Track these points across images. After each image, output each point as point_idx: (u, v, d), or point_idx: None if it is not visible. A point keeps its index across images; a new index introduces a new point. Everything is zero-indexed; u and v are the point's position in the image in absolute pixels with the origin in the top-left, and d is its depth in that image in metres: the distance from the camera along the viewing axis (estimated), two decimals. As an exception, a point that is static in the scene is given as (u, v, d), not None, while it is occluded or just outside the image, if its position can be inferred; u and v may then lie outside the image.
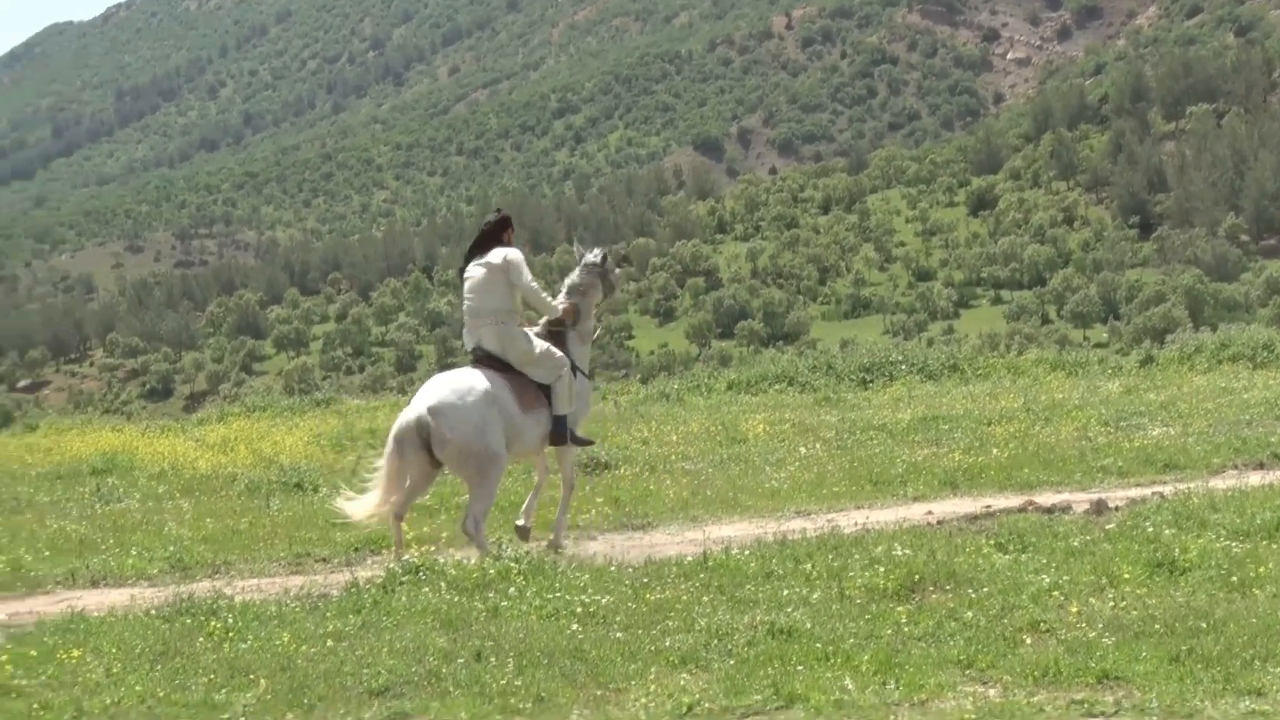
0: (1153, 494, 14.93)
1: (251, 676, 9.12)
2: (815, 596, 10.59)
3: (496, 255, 13.56)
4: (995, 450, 19.19)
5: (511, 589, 11.14)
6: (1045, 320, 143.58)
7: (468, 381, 13.08)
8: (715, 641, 9.48)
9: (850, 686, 8.42)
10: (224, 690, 8.90)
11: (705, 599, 10.68)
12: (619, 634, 9.78)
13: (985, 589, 10.50)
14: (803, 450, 20.53)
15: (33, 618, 11.80)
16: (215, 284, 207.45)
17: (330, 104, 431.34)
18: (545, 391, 13.54)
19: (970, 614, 9.83)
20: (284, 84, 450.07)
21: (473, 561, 12.08)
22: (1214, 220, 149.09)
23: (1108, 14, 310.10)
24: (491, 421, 12.92)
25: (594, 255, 14.34)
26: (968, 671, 8.75)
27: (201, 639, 10.18)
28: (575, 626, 9.99)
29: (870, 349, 36.31)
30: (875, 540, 12.42)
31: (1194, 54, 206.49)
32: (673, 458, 20.42)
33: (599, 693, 8.64)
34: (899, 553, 11.60)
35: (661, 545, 14.13)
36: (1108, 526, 12.65)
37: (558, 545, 13.68)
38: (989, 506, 15.15)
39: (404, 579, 11.65)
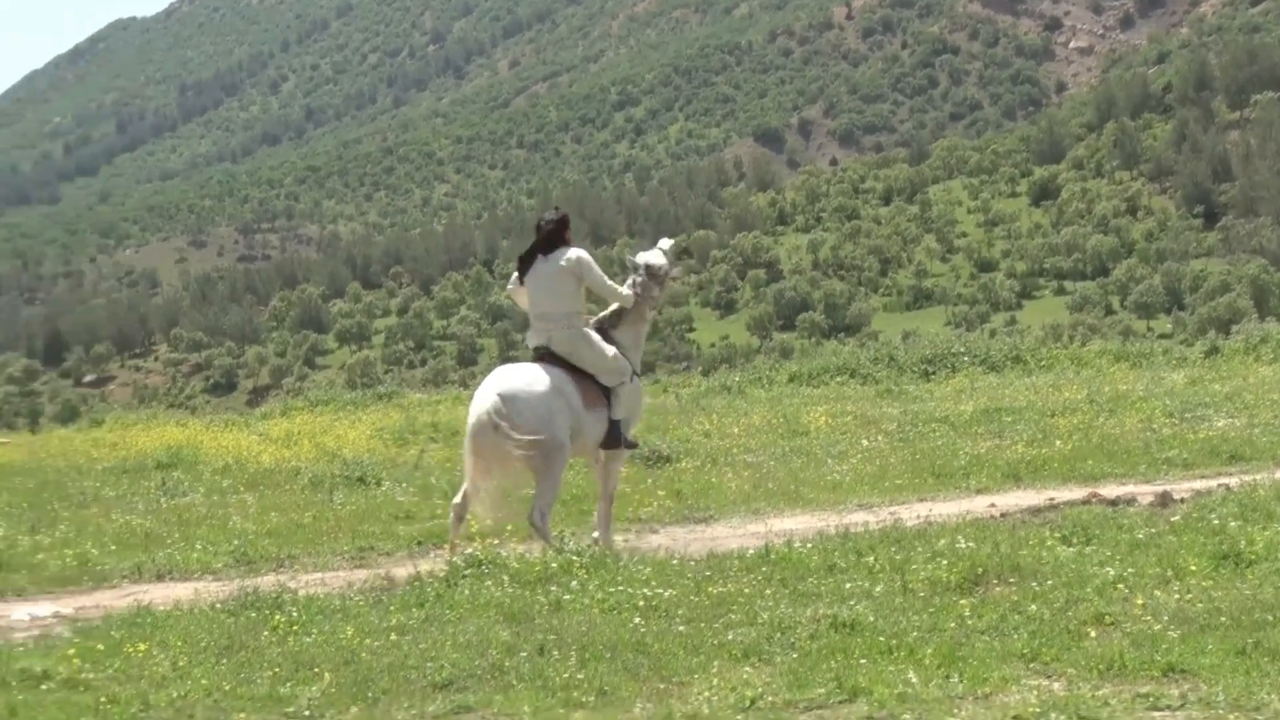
0: (1218, 486, 14.84)
1: (316, 670, 9.15)
2: (878, 590, 10.56)
3: (565, 255, 13.42)
4: (1059, 442, 19.11)
5: (574, 582, 11.14)
6: (1109, 311, 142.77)
7: (535, 372, 13.08)
8: (778, 635, 9.46)
9: (913, 680, 8.38)
10: (288, 684, 8.93)
11: (768, 592, 10.66)
12: (681, 627, 9.78)
13: (1049, 582, 10.45)
14: (865, 443, 20.49)
15: (99, 612, 11.88)
16: (278, 278, 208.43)
17: (391, 98, 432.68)
18: (605, 393, 13.50)
19: (1034, 607, 9.79)
20: (345, 78, 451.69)
21: (535, 555, 12.10)
22: (1279, 209, 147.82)
23: (1171, 2, 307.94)
24: (559, 411, 12.91)
25: (656, 258, 14.21)
26: (1032, 665, 8.71)
27: (266, 633, 10.23)
28: (638, 620, 9.98)
29: (932, 340, 36.24)
30: (938, 533, 12.39)
31: (1259, 41, 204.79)
32: (734, 450, 20.41)
33: (662, 686, 8.64)
34: (962, 545, 11.55)
35: (723, 538, 14.12)
36: (1173, 519, 12.58)
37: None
38: (1053, 499, 15.09)
39: (467, 572, 11.67)
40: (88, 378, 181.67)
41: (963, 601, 10.02)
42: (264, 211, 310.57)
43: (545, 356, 13.36)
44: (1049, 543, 11.78)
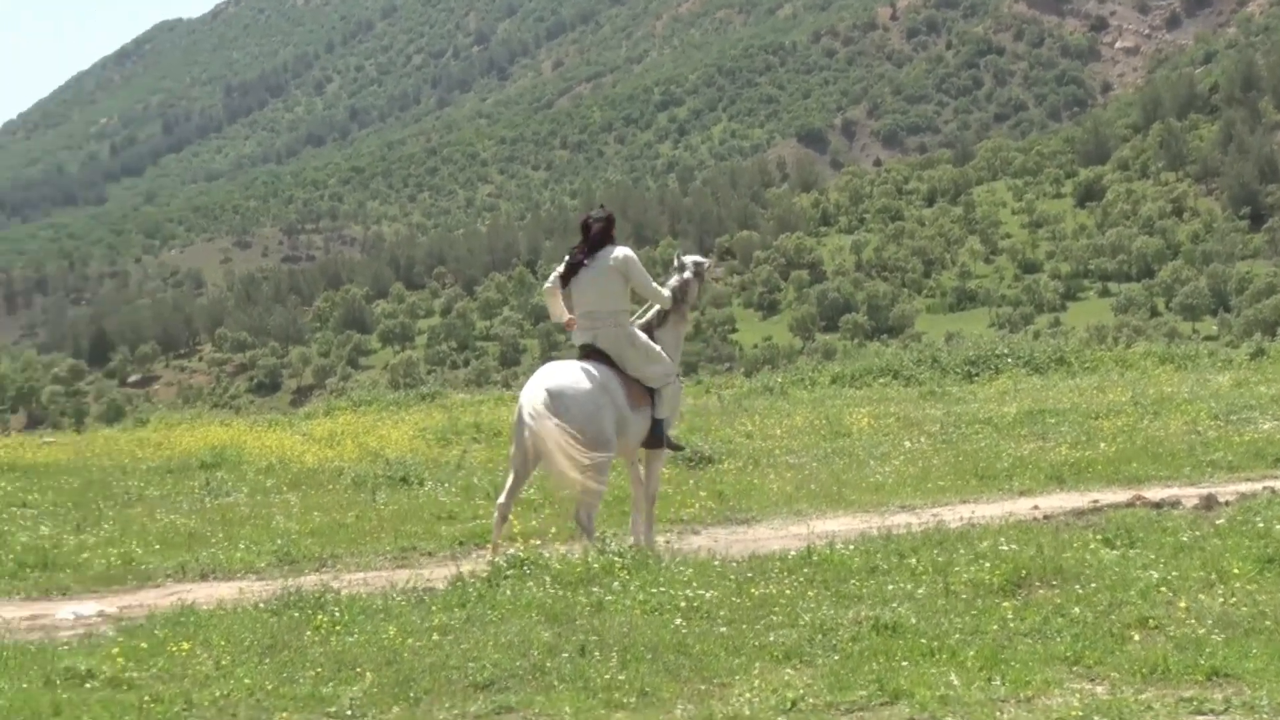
0: (1263, 488, 14.77)
1: (358, 670, 9.18)
2: (920, 592, 10.53)
3: (612, 254, 13.40)
4: (1103, 444, 19.04)
5: (616, 583, 11.14)
6: (1154, 313, 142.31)
7: (582, 369, 13.06)
8: (819, 637, 9.45)
9: (955, 682, 8.36)
10: (331, 683, 8.96)
11: (809, 594, 10.64)
12: (723, 629, 9.77)
13: (1092, 585, 10.41)
14: (907, 444, 20.46)
15: (143, 611, 11.93)
16: (322, 279, 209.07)
17: (435, 99, 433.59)
18: (649, 392, 13.49)
19: (1077, 610, 9.75)
20: (389, 79, 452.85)
21: (577, 556, 12.10)
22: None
23: (1218, 2, 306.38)
24: (605, 407, 12.90)
25: (697, 258, 14.25)
26: (1075, 668, 8.68)
27: (309, 632, 10.26)
28: (679, 621, 9.98)
29: (976, 342, 36.17)
30: (981, 535, 12.35)
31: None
32: (776, 451, 20.39)
33: (703, 687, 8.63)
34: (1005, 548, 11.51)
35: (765, 540, 14.11)
36: (1217, 521, 12.51)
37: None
38: (1096, 501, 15.04)
39: (508, 573, 11.67)
40: (133, 378, 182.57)
41: (1005, 604, 9.99)
42: (308, 212, 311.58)
43: (591, 354, 13.34)
44: (1092, 545, 11.73)
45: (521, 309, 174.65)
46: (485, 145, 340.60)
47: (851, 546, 12.20)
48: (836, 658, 9.00)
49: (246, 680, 9.05)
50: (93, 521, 16.68)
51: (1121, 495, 15.33)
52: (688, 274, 14.01)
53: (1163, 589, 10.18)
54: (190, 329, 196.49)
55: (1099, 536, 12.08)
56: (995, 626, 9.49)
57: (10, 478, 20.63)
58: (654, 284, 13.73)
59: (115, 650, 9.87)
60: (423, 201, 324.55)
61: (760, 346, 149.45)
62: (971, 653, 8.87)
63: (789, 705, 8.18)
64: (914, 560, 11.47)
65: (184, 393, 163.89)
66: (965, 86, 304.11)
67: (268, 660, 9.57)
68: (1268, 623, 9.22)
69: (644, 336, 13.53)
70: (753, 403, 28.01)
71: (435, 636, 9.92)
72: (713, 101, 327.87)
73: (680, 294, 13.97)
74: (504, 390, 36.17)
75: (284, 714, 8.49)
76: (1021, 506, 15.21)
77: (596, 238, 13.44)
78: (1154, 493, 15.37)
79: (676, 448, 14.37)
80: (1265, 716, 7.81)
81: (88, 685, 9.23)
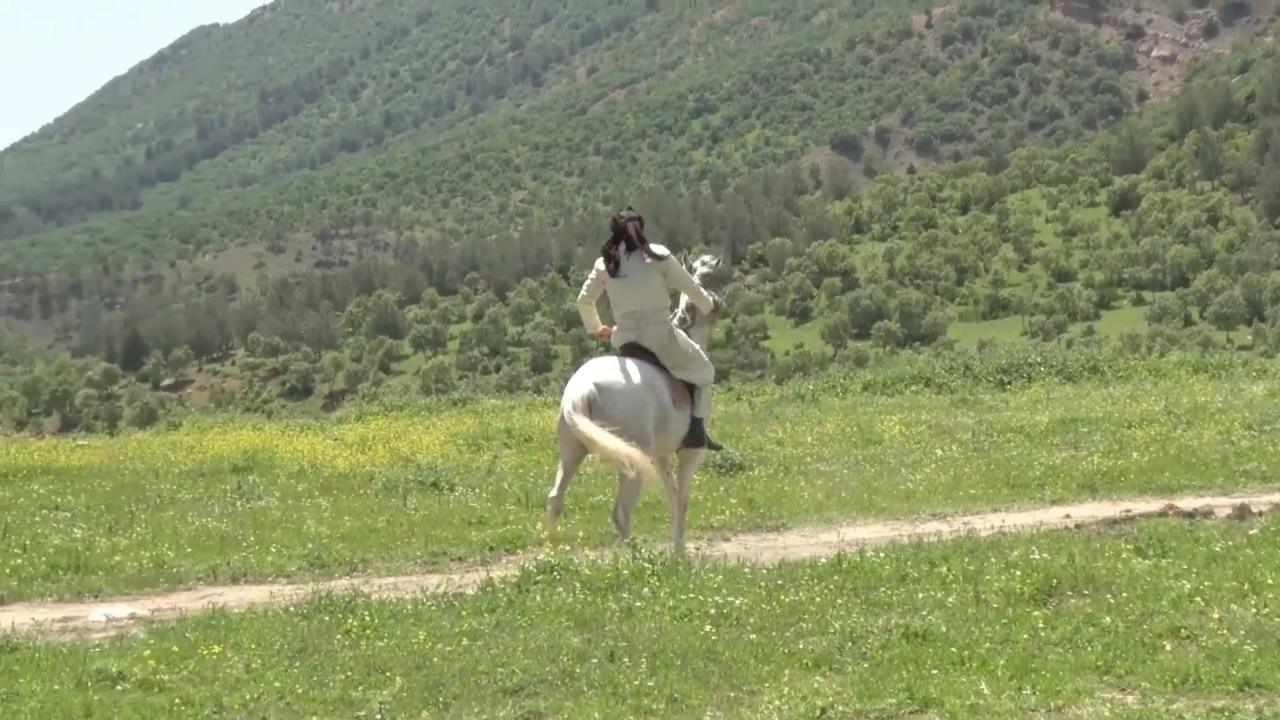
0: (1297, 499, 14.71)
1: (387, 674, 9.19)
2: (951, 600, 10.51)
3: (652, 253, 13.42)
4: (1135, 454, 18.99)
5: (645, 589, 11.14)
6: (1188, 322, 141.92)
7: (628, 366, 13.08)
8: (849, 644, 9.43)
9: (986, 691, 8.34)
10: (360, 687, 8.98)
11: (839, 601, 10.63)
12: (752, 635, 9.76)
13: (1124, 594, 10.38)
14: (939, 452, 20.42)
15: (175, 613, 11.97)
16: (355, 284, 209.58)
17: (469, 105, 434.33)
18: (689, 391, 13.50)
19: (1109, 619, 9.72)
20: (424, 85, 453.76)
21: (607, 561, 12.10)
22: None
23: (1255, 10, 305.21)
24: (649, 405, 12.92)
25: (706, 258, 14.29)
26: (1106, 677, 8.65)
27: (339, 636, 10.27)
28: (709, 628, 9.98)
29: (1008, 350, 36.07)
30: (1012, 544, 12.32)
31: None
32: (807, 459, 20.37)
33: (732, 694, 8.63)
34: (1036, 556, 11.49)
35: (796, 547, 14.09)
36: (1251, 532, 12.47)
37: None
38: (1129, 510, 15.00)
39: (538, 578, 11.68)
40: (166, 381, 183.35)
41: (1036, 613, 9.96)
42: (342, 217, 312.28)
43: (634, 353, 13.33)
44: (1124, 555, 11.70)
45: (553, 315, 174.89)
46: (519, 151, 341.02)
47: (882, 554, 12.18)
48: (866, 665, 8.99)
49: (277, 683, 9.07)
50: (125, 524, 16.73)
51: (1154, 505, 15.29)
52: (706, 271, 14.10)
53: (1195, 599, 10.15)
54: (223, 333, 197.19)
55: (1131, 546, 12.05)
56: (1026, 635, 9.46)
57: (44, 480, 20.72)
58: (696, 282, 13.78)
59: (146, 653, 9.91)
60: (456, 207, 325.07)
61: (792, 353, 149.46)
62: (1002, 661, 8.85)
63: (818, 713, 8.17)
64: (945, 568, 11.45)
65: (216, 397, 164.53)
66: (1000, 94, 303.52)
67: (298, 664, 9.59)
68: (1300, 633, 9.18)
69: (684, 335, 13.59)
70: (784, 410, 27.98)
71: (465, 641, 9.92)
72: (747, 108, 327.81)
73: (717, 300, 14.09)
74: (535, 396, 36.21)
75: (314, 718, 8.51)
76: (1053, 515, 15.18)
77: (633, 237, 13.44)
78: (1187, 502, 15.32)
79: (715, 447, 14.46)
80: (1297, 728, 7.78)
81: (119, 687, 9.26)
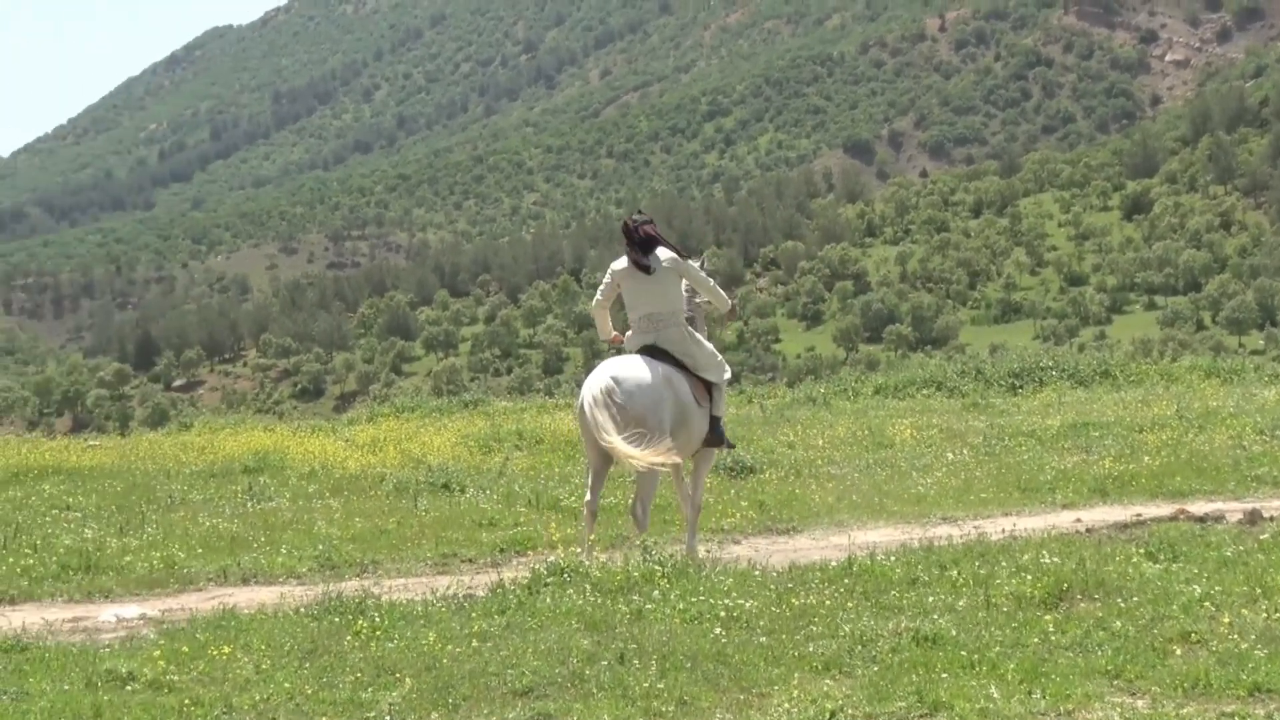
0: (1309, 504, 14.68)
1: (397, 675, 9.19)
2: (961, 604, 10.50)
3: (668, 256, 13.50)
4: (1147, 458, 18.96)
5: (655, 592, 11.14)
6: (1200, 326, 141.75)
7: (647, 363, 13.14)
8: (859, 648, 9.43)
9: (995, 695, 8.34)
10: (370, 689, 8.98)
11: (850, 605, 10.62)
12: (762, 638, 9.76)
13: (1135, 598, 10.36)
14: (950, 456, 20.40)
15: (185, 614, 11.98)
16: (367, 285, 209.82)
17: (482, 107, 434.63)
18: (706, 390, 13.55)
19: (1119, 623, 9.71)
20: (437, 87, 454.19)
21: (617, 564, 12.11)
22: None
23: (1269, 15, 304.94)
24: (666, 400, 12.96)
25: (696, 263, 14.34)
26: (1116, 682, 8.64)
27: (349, 637, 10.28)
28: (719, 630, 9.98)
29: (1020, 354, 36.02)
30: (1023, 548, 12.31)
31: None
32: (818, 462, 20.36)
33: (741, 697, 8.63)
34: (1047, 560, 11.48)
35: (806, 550, 14.09)
36: (1262, 536, 12.45)
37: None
38: (1140, 515, 14.98)
39: (549, 580, 11.68)
40: (178, 382, 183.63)
41: (1046, 617, 9.95)
42: (354, 219, 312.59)
43: (653, 353, 13.37)
44: (1135, 559, 11.68)
45: (565, 317, 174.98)
46: (531, 154, 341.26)
47: (892, 558, 12.17)
48: (876, 669, 8.98)
49: (286, 684, 9.07)
50: (136, 525, 16.74)
51: (1165, 509, 15.27)
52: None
53: (1205, 604, 10.13)
54: (235, 334, 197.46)
55: (1142, 550, 12.04)
56: (1036, 639, 9.46)
57: (55, 480, 20.74)
58: (713, 282, 13.84)
59: (156, 653, 9.92)
60: (468, 209, 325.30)
61: (803, 357, 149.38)
62: (1012, 665, 8.84)
63: (828, 716, 8.17)
64: (955, 572, 11.44)
65: (228, 398, 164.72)
66: (1013, 98, 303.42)
67: (308, 665, 9.59)
68: (1311, 639, 9.16)
69: (699, 335, 13.66)
70: (795, 413, 27.96)
71: (475, 643, 9.93)
72: (759, 112, 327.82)
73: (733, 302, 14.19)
74: (546, 398, 36.17)
75: (323, 718, 8.51)
76: (1064, 519, 15.16)
77: (649, 241, 13.49)
78: (1198, 507, 15.30)
79: (731, 445, 14.54)
80: (1307, 733, 7.77)
81: (129, 687, 9.27)
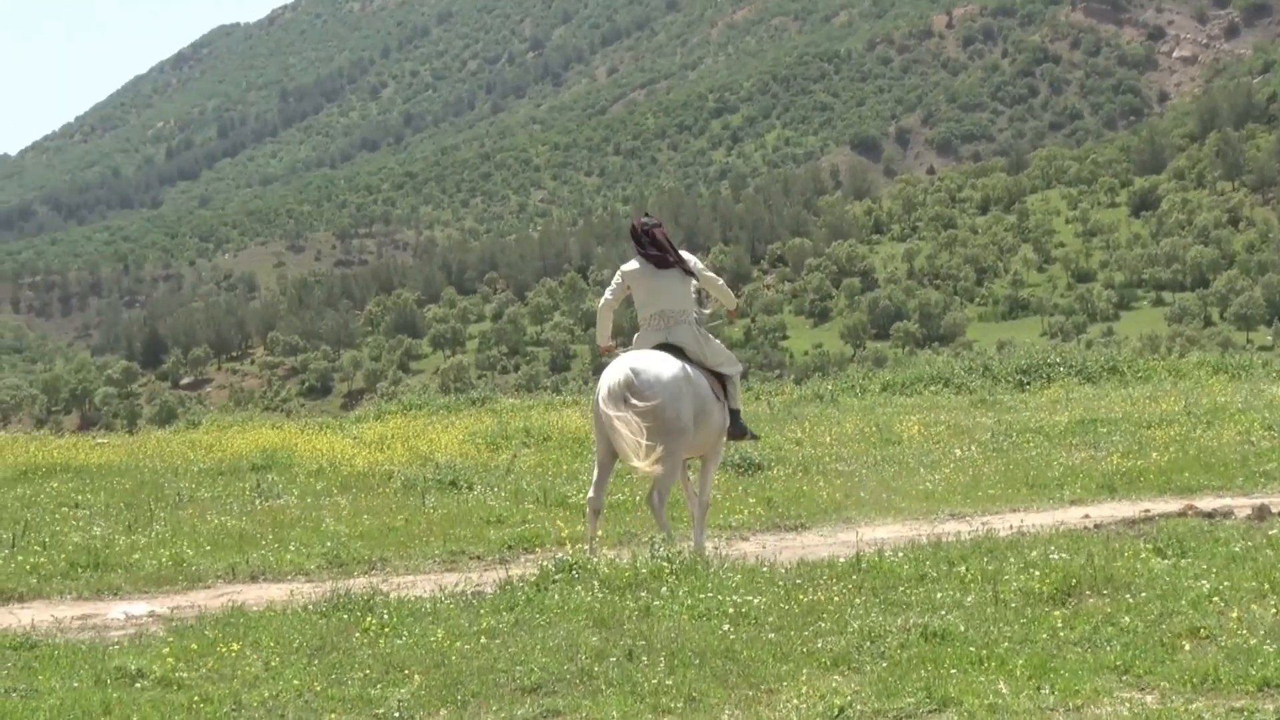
0: (1317, 500, 14.67)
1: (406, 672, 9.21)
2: (970, 600, 10.50)
3: (681, 256, 13.73)
4: (1155, 454, 18.95)
5: (664, 588, 11.15)
6: (1208, 323, 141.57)
7: (666, 356, 13.26)
8: (868, 644, 9.43)
9: (1004, 691, 8.34)
10: (379, 685, 8.99)
11: (858, 601, 10.63)
12: (771, 635, 9.77)
13: (1143, 594, 10.36)
14: (958, 452, 20.40)
15: (194, 611, 12.00)
16: (374, 283, 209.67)
17: (489, 104, 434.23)
18: (721, 384, 13.64)
19: (1128, 619, 9.71)
20: (444, 84, 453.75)
21: (626, 560, 12.11)
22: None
23: (1277, 11, 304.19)
24: (686, 394, 13.03)
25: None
26: (1124, 677, 8.64)
27: (357, 634, 10.30)
28: (727, 627, 9.98)
29: (1028, 351, 35.95)
30: (1031, 544, 12.31)
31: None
32: (826, 459, 20.36)
33: (750, 693, 8.63)
34: (1055, 557, 11.48)
35: (814, 546, 14.10)
36: (1270, 532, 12.44)
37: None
38: (1148, 511, 14.97)
39: (557, 577, 11.70)
40: (185, 380, 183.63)
41: (1055, 613, 9.95)
42: (361, 217, 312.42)
43: (666, 350, 13.45)
44: (1143, 555, 11.68)
45: (572, 315, 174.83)
46: (539, 151, 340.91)
47: (901, 554, 12.18)
48: (885, 665, 8.99)
49: (295, 681, 9.09)
50: (144, 522, 16.76)
51: (1173, 505, 15.26)
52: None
53: (1214, 599, 10.13)
54: (243, 332, 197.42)
55: (1150, 546, 12.04)
56: (1045, 635, 9.46)
57: (63, 478, 20.75)
58: (720, 281, 14.06)
59: (165, 650, 9.94)
60: (475, 207, 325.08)
61: (811, 354, 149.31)
62: (1020, 661, 8.84)
63: (836, 712, 8.17)
64: (963, 568, 11.44)
65: (236, 395, 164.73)
66: (1020, 95, 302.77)
67: (316, 662, 9.61)
68: (1320, 634, 9.15)
69: (708, 333, 13.78)
70: (803, 410, 27.95)
71: (483, 640, 9.94)
72: (767, 109, 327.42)
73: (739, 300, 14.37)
74: (554, 395, 36.17)
75: (332, 715, 8.52)
76: (1072, 515, 15.16)
77: (661, 242, 13.67)
78: (1206, 503, 15.29)
79: (755, 436, 14.81)
80: (1317, 728, 7.76)
81: (138, 685, 9.29)
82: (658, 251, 13.57)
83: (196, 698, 8.84)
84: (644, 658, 9.25)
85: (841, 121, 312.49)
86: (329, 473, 20.71)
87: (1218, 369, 31.44)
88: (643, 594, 11.05)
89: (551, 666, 9.13)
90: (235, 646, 9.99)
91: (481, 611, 10.86)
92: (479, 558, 14.67)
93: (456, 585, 12.14)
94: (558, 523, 15.45)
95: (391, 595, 11.58)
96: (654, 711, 8.36)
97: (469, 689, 8.82)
